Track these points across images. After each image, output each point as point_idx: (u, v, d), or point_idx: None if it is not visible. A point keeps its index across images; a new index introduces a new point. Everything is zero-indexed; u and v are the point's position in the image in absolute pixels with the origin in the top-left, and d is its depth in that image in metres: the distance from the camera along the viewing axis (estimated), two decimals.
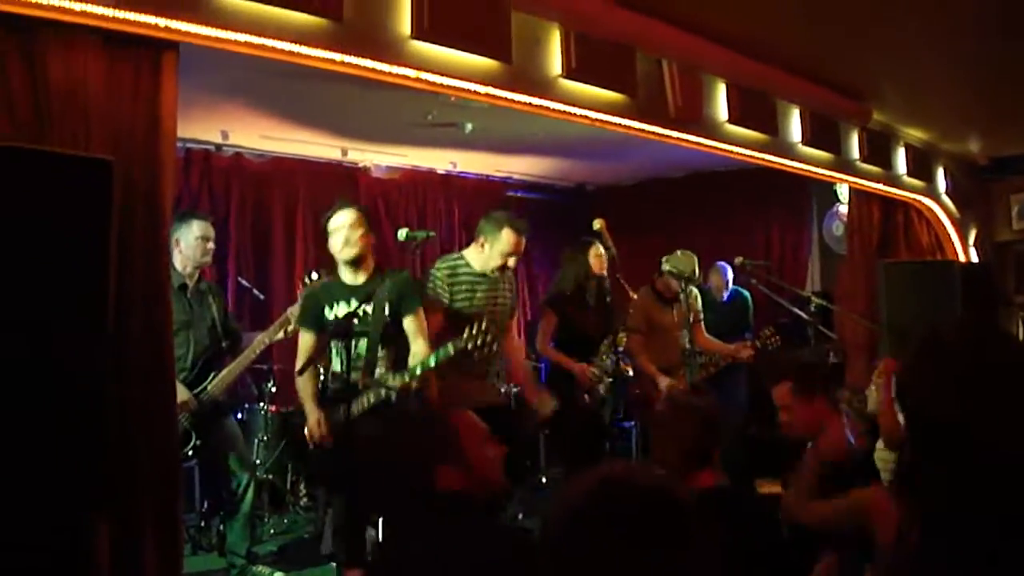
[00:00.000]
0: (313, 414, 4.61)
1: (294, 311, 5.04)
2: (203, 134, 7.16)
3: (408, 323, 4.63)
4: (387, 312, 4.59)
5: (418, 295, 4.73)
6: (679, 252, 6.34)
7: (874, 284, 6.95)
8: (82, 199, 2.86)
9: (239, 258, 7.58)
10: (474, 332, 4.33)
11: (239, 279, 7.34)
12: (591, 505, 1.42)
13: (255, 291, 7.14)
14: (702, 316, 6.78)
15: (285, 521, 6.41)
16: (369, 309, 4.53)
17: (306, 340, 4.74)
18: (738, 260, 6.79)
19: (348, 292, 4.64)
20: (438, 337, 4.72)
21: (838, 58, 5.69)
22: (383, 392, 4.44)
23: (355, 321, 4.41)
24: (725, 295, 8.01)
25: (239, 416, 6.84)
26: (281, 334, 5.18)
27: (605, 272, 5.98)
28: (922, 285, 6.76)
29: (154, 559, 3.30)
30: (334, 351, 4.69)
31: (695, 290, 6.71)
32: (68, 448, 2.84)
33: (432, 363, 4.42)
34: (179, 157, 6.85)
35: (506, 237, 5.12)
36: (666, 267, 6.23)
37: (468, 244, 5.37)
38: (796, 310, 6.43)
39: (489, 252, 5.14)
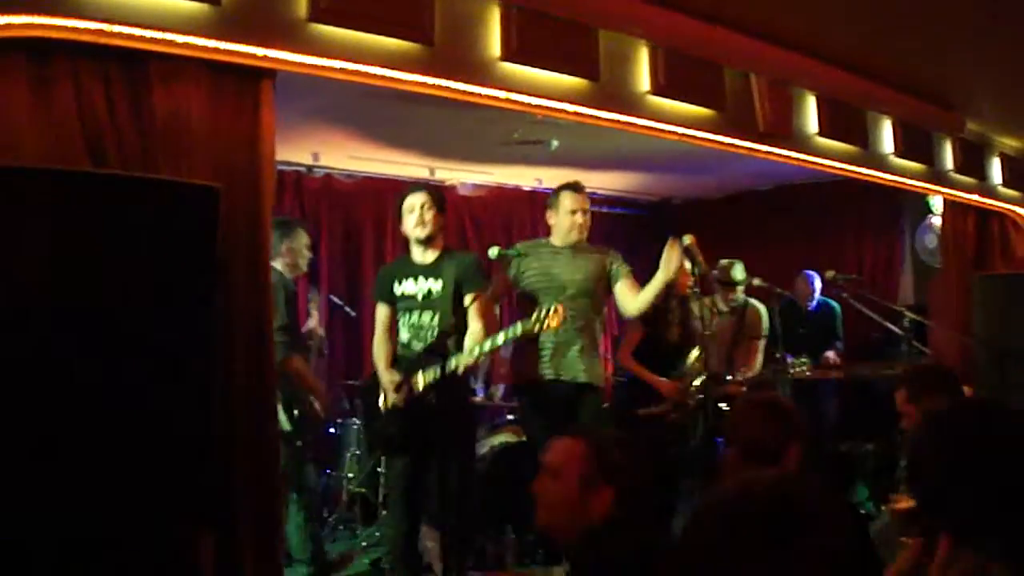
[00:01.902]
0: (385, 374, 4.82)
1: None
2: (294, 156, 7.29)
3: (468, 301, 4.76)
4: (453, 289, 4.79)
5: (481, 276, 4.88)
6: (722, 261, 6.42)
7: (969, 298, 6.81)
8: (189, 225, 2.96)
9: (331, 276, 7.71)
10: (542, 315, 4.43)
11: (331, 297, 7.47)
12: (719, 510, 1.42)
13: (347, 308, 7.26)
14: (759, 333, 6.74)
15: (377, 534, 6.48)
16: (438, 286, 4.78)
17: (381, 312, 5.02)
18: (829, 274, 6.71)
19: (417, 269, 4.87)
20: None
21: (928, 68, 5.61)
22: (452, 366, 4.52)
23: (421, 296, 4.80)
24: (812, 304, 7.90)
25: (331, 430, 6.98)
26: None
27: (689, 290, 5.96)
28: (1019, 298, 6.60)
29: (254, 572, 3.38)
30: (401, 323, 4.91)
31: (758, 306, 6.76)
32: (177, 465, 2.94)
33: (500, 342, 4.59)
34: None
35: (564, 198, 5.27)
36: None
37: None
38: (889, 324, 6.33)
39: (559, 220, 5.26)
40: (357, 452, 6.72)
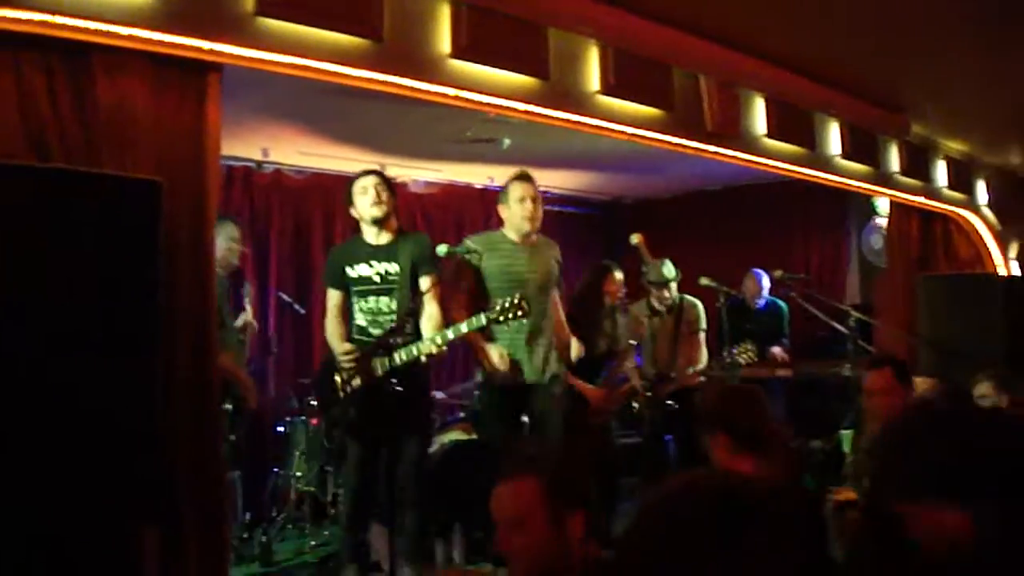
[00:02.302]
0: (339, 346, 4.82)
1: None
2: (244, 151, 7.24)
3: (426, 285, 4.78)
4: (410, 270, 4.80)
5: (436, 258, 4.85)
6: (650, 262, 6.50)
7: (914, 298, 6.92)
8: (131, 220, 2.94)
9: (280, 274, 7.66)
10: (507, 305, 4.48)
11: (279, 294, 7.42)
12: (665, 507, 1.42)
13: (296, 306, 7.22)
14: (698, 328, 6.80)
15: (326, 533, 6.45)
16: (395, 269, 4.78)
17: (332, 296, 5.01)
18: (777, 273, 6.78)
19: (371, 251, 4.87)
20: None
21: (876, 71, 5.67)
22: (414, 353, 4.54)
23: (378, 279, 4.81)
24: (760, 303, 7.99)
25: (279, 428, 6.93)
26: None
27: (617, 301, 6.05)
28: (962, 299, 6.73)
29: (198, 570, 3.35)
30: (357, 307, 4.89)
31: (693, 301, 6.82)
32: (121, 459, 2.92)
33: (464, 330, 4.59)
34: (221, 175, 6.94)
35: (513, 188, 5.26)
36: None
37: None
38: (835, 324, 6.40)
39: (510, 211, 5.24)
40: (306, 451, 6.68)
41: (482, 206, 9.10)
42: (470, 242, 5.23)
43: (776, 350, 7.67)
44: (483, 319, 4.54)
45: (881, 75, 5.76)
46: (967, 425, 1.83)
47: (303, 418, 6.78)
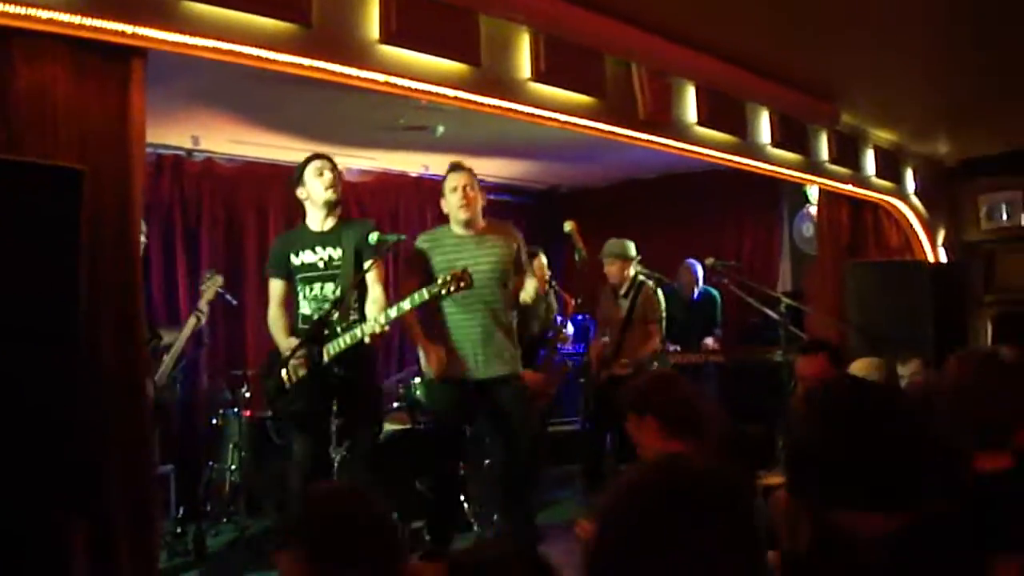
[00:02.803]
0: (286, 342, 4.74)
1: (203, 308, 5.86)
2: (174, 140, 7.13)
3: (368, 267, 4.73)
4: (354, 255, 4.75)
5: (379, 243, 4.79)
6: (613, 239, 6.61)
7: (843, 284, 7.03)
8: (52, 208, 2.88)
9: (211, 262, 7.55)
10: (448, 279, 4.47)
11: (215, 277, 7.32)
12: (641, 489, 1.43)
13: (228, 296, 7.12)
14: (657, 317, 6.85)
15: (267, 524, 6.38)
16: (338, 254, 4.74)
17: (275, 287, 4.91)
18: (709, 261, 6.84)
19: (315, 238, 4.81)
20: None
21: (806, 60, 5.74)
22: (359, 334, 4.52)
23: (322, 265, 4.74)
24: (695, 293, 8.07)
25: (213, 421, 6.85)
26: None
27: (547, 287, 6.08)
28: (891, 285, 6.85)
29: (129, 563, 3.30)
30: (301, 295, 4.82)
31: (653, 289, 6.85)
32: (40, 448, 2.86)
33: (407, 307, 4.58)
34: (150, 163, 6.83)
35: (447, 179, 5.23)
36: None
37: None
38: (767, 310, 6.48)
39: (447, 202, 5.19)
40: (239, 444, 6.59)
41: (417, 194, 9.07)
42: (419, 241, 5.22)
43: (708, 341, 7.75)
44: (425, 294, 4.53)
45: (811, 65, 5.83)
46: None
47: (236, 410, 6.69)
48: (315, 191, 4.79)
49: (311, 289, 4.79)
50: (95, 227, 3.14)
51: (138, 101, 3.37)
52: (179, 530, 6.08)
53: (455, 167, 5.23)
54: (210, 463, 6.75)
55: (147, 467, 3.52)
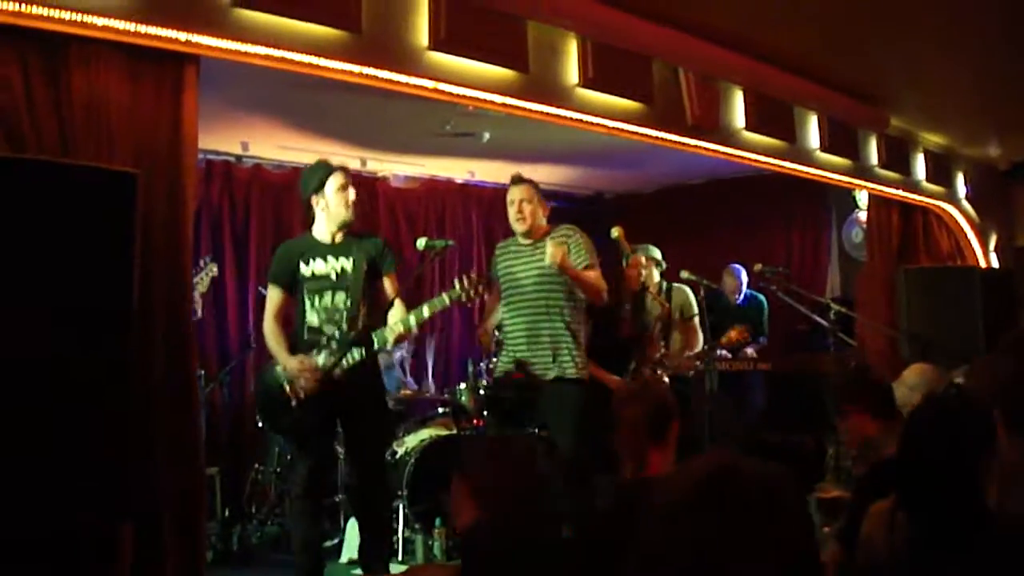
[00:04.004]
0: (291, 360, 4.52)
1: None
2: (224, 145, 7.20)
3: (387, 283, 4.69)
4: (365, 268, 4.65)
5: (394, 258, 4.76)
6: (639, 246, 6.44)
7: (894, 290, 6.94)
8: (107, 211, 2.91)
9: (259, 268, 7.61)
10: (466, 284, 4.43)
11: (260, 288, 7.37)
12: (702, 492, 1.40)
13: None
14: (694, 313, 6.77)
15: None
16: (350, 265, 4.60)
17: (274, 295, 4.73)
18: (757, 267, 6.78)
19: (326, 249, 4.67)
20: None
21: (855, 64, 5.70)
22: (380, 341, 4.50)
23: (334, 276, 4.59)
24: (739, 298, 8.01)
25: (259, 425, 6.88)
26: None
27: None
28: (942, 291, 6.76)
29: (176, 564, 3.33)
30: (308, 305, 4.65)
31: (682, 287, 6.74)
32: (93, 455, 2.89)
33: (426, 313, 4.52)
34: (200, 168, 6.90)
35: (509, 191, 5.26)
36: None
37: (487, 251, 5.41)
38: (816, 317, 6.42)
39: (509, 214, 5.22)
40: (284, 446, 6.64)
41: (463, 201, 9.09)
42: (496, 250, 5.39)
43: (748, 350, 7.67)
44: (445, 299, 4.49)
45: (860, 69, 5.79)
46: None
47: None
48: (335, 207, 4.62)
49: (320, 299, 4.62)
50: (147, 232, 3.17)
51: (190, 107, 3.41)
52: (224, 531, 6.13)
53: (515, 180, 5.23)
54: (256, 466, 6.80)
55: (196, 474, 3.54)
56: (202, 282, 6.15)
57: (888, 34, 5.13)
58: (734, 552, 1.32)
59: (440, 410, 7.02)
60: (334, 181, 4.62)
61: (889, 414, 3.55)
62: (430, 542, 5.79)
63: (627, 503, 2.95)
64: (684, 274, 6.35)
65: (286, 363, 4.54)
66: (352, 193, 4.65)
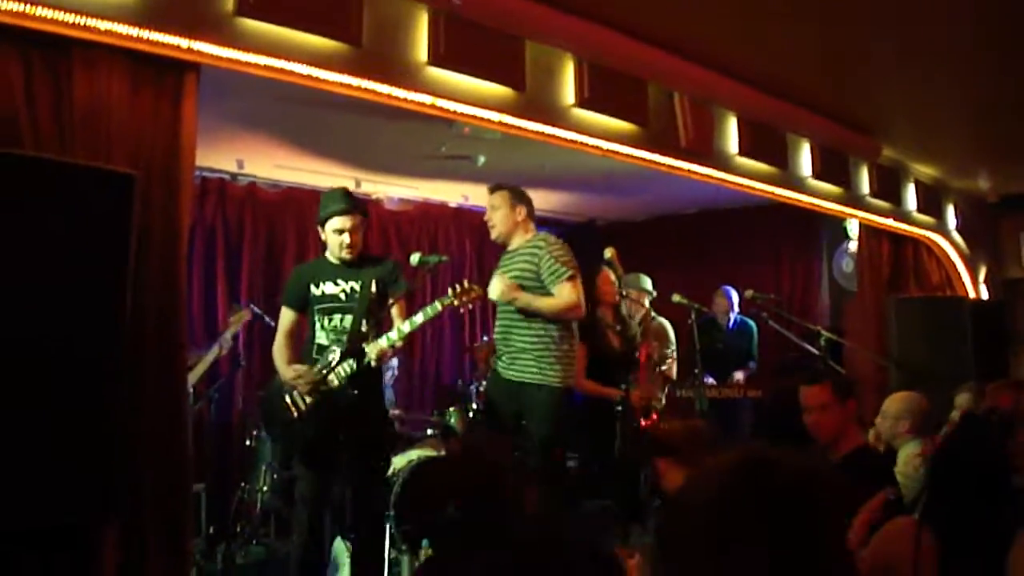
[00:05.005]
0: (288, 370, 4.59)
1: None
2: (219, 163, 7.21)
3: (394, 308, 4.67)
4: (374, 290, 4.64)
5: (404, 279, 4.74)
6: (630, 275, 6.48)
7: (884, 320, 6.98)
8: (104, 211, 2.92)
9: (251, 286, 7.62)
10: (459, 290, 4.44)
11: (251, 307, 7.37)
12: (737, 484, 1.38)
13: (266, 318, 7.15)
14: (668, 351, 6.81)
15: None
16: (358, 286, 4.62)
17: (286, 317, 4.81)
18: (748, 293, 6.80)
19: (336, 271, 4.71)
20: None
21: (848, 93, 5.75)
22: (372, 352, 4.43)
23: (343, 296, 4.62)
24: (730, 322, 8.03)
25: (247, 442, 6.87)
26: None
27: (617, 298, 6.02)
28: (932, 321, 6.81)
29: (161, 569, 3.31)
30: (319, 326, 4.71)
31: (662, 322, 6.86)
32: (79, 451, 2.89)
33: (419, 321, 4.48)
34: (196, 185, 6.91)
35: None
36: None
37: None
38: (805, 345, 6.44)
39: None
40: (272, 464, 6.61)
41: (456, 225, 9.11)
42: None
43: (738, 375, 7.70)
44: (437, 306, 4.47)
45: (853, 98, 5.85)
46: None
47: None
48: (331, 246, 4.69)
49: (330, 320, 4.67)
50: (142, 236, 3.18)
51: (190, 115, 3.42)
52: (208, 549, 6.09)
53: (490, 189, 5.23)
54: (242, 484, 6.76)
55: (182, 476, 3.51)
56: (234, 324, 6.26)
57: (881, 65, 5.19)
58: (762, 543, 1.31)
59: (429, 432, 6.99)
60: (335, 223, 4.63)
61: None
62: (417, 564, 5.75)
63: None
64: (676, 298, 6.35)
65: (284, 373, 4.62)
66: (347, 237, 4.61)
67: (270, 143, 6.72)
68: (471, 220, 9.20)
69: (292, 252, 7.93)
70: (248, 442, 6.87)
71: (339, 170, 7.56)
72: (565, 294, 4.92)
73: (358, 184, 8.01)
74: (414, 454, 6.37)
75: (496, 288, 4.94)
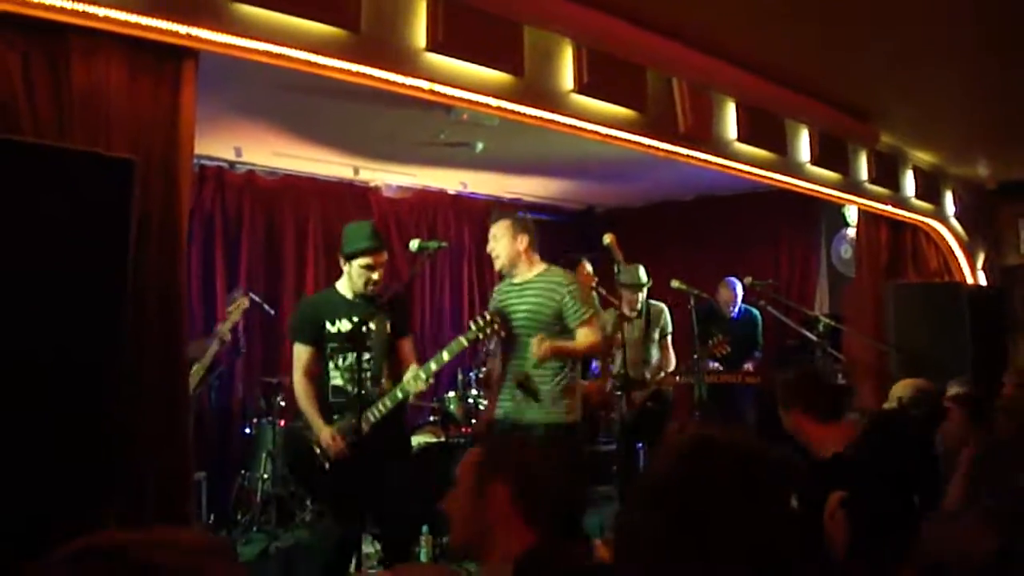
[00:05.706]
0: (324, 430, 4.47)
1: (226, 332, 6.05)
2: (217, 151, 7.21)
3: (404, 345, 4.68)
4: (388, 329, 4.62)
5: (409, 319, 4.74)
6: (629, 266, 6.45)
7: (882, 306, 6.99)
8: (104, 197, 2.92)
9: (250, 274, 7.62)
10: (481, 324, 4.41)
11: (250, 294, 7.37)
12: (689, 464, 1.41)
13: (265, 306, 7.17)
14: (669, 331, 6.90)
15: (292, 536, 6.40)
16: (372, 324, 4.50)
17: (301, 353, 4.64)
18: (747, 279, 6.83)
19: (350, 307, 4.59)
20: None
21: (847, 79, 5.74)
22: (400, 396, 4.42)
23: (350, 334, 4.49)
24: (734, 312, 8.02)
25: (247, 430, 6.89)
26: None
27: (593, 292, 6.01)
28: (930, 307, 6.81)
29: None
30: (332, 365, 4.60)
31: (660, 306, 6.92)
32: (79, 441, 2.89)
33: (446, 357, 4.48)
34: (194, 173, 6.90)
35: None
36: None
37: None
38: (804, 331, 6.45)
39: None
40: (273, 452, 6.63)
41: (454, 212, 9.12)
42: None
43: (748, 366, 7.70)
44: (463, 341, 4.45)
45: (852, 83, 5.83)
46: None
47: (270, 419, 6.73)
48: (356, 280, 4.57)
49: (344, 359, 4.57)
50: (142, 223, 3.18)
51: (188, 102, 3.41)
52: None
53: (493, 219, 4.98)
54: (243, 471, 6.79)
55: (183, 469, 3.50)
56: (233, 313, 6.25)
57: (880, 50, 5.17)
58: (707, 527, 1.33)
59: (431, 418, 7.03)
60: (363, 260, 4.54)
61: (830, 417, 3.62)
62: (417, 548, 5.77)
63: None
64: (674, 284, 6.37)
65: (319, 432, 4.50)
66: (376, 275, 4.55)
67: (268, 131, 6.71)
68: (470, 207, 9.23)
69: (291, 239, 7.94)
70: (248, 430, 6.89)
71: (337, 157, 7.57)
72: (592, 334, 4.77)
73: (356, 171, 8.03)
74: (413, 441, 6.40)
75: (539, 354, 4.60)
